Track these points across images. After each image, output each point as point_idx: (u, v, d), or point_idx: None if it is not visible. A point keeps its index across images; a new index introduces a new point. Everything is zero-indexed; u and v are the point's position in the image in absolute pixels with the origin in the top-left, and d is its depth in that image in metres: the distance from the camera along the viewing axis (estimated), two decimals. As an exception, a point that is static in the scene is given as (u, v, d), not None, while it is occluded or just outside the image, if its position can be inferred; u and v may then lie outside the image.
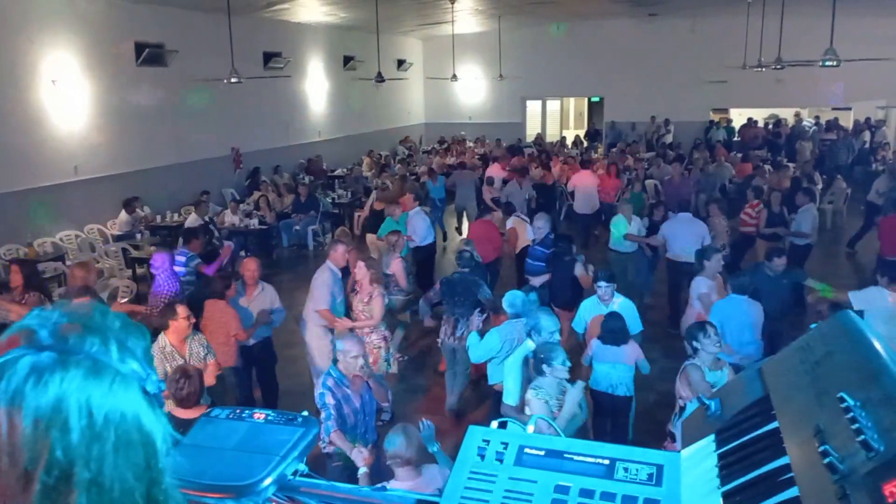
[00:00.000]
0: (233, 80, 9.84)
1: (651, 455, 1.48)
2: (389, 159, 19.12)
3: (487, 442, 1.53)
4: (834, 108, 22.04)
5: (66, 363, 0.74)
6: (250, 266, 6.72)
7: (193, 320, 5.43)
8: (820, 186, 14.71)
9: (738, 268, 8.73)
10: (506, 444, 1.52)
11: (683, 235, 8.54)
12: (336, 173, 17.79)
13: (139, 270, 10.60)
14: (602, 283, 6.18)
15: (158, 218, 12.46)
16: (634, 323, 6.12)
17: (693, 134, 21.18)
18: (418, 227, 9.80)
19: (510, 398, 4.81)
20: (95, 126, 11.83)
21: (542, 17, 19.75)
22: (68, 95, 11.19)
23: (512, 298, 5.86)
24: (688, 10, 19.15)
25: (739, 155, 17.65)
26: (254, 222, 12.57)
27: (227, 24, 10.97)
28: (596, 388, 5.62)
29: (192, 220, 11.55)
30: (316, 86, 18.55)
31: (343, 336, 4.95)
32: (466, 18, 18.44)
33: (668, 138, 21.23)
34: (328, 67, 18.95)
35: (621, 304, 6.19)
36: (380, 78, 14.20)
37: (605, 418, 5.67)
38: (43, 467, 0.71)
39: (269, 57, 16.03)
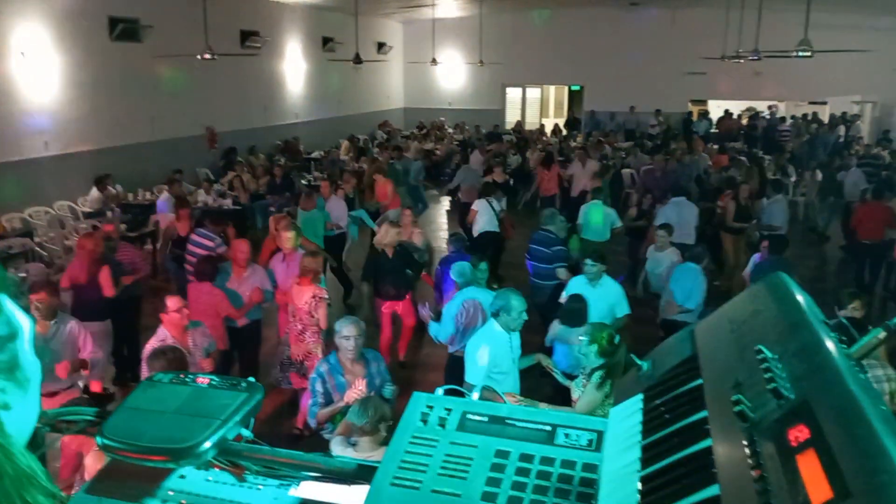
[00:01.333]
0: (206, 56, 9.67)
1: (592, 422, 1.49)
2: (368, 143, 19.01)
3: (431, 408, 1.53)
4: (811, 103, 22.25)
5: None
6: (242, 247, 6.64)
7: (186, 311, 5.23)
8: (793, 179, 14.88)
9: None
10: (449, 410, 1.52)
11: (684, 218, 8.90)
12: (313, 156, 17.66)
13: (109, 248, 10.45)
14: (588, 262, 6.19)
15: (130, 196, 12.29)
16: (621, 306, 6.19)
17: (672, 124, 21.28)
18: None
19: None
20: (66, 101, 11.62)
21: (523, 3, 19.71)
22: (38, 68, 10.97)
23: (460, 268, 5.99)
24: (668, 0, 19.19)
25: (716, 147, 17.77)
26: (227, 202, 12.44)
27: (202, 0, 10.81)
28: (559, 368, 5.66)
29: (165, 198, 11.42)
30: (294, 67, 18.37)
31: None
32: (448, 2, 18.34)
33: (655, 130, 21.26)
34: (306, 48, 18.77)
35: (608, 285, 6.23)
36: (358, 60, 14.09)
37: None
38: None
39: (246, 35, 15.83)
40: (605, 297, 6.22)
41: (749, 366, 0.82)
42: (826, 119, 21.16)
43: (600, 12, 20.88)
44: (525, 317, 4.75)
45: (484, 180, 11.62)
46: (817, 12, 9.65)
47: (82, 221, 11.17)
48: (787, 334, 0.83)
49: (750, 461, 0.68)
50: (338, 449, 3.77)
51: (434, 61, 18.12)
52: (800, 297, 0.92)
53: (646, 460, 0.86)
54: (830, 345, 0.77)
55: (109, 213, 11.22)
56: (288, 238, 6.90)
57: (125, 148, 12.72)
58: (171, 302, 5.16)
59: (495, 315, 4.72)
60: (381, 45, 21.95)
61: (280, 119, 17.91)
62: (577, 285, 6.36)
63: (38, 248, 10.09)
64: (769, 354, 0.79)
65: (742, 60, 15.37)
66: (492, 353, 4.59)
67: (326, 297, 6.24)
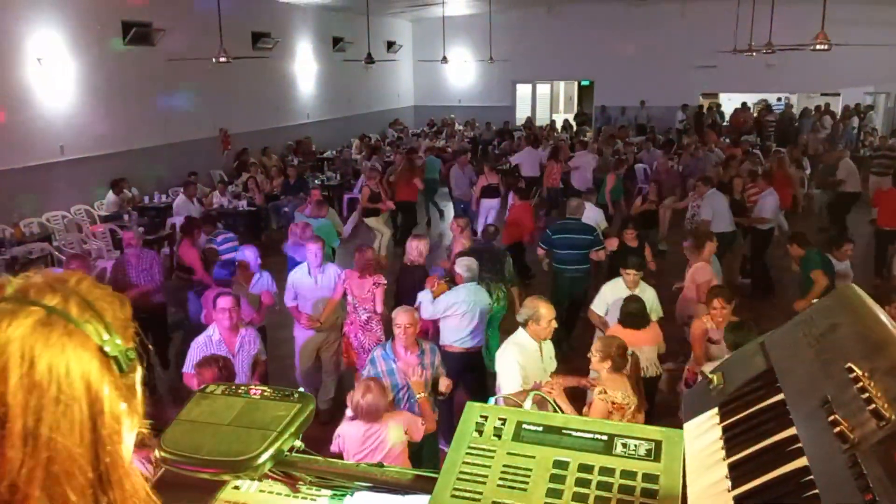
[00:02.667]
0: (222, 59, 9.71)
1: (649, 431, 1.49)
2: (379, 142, 19.03)
3: (486, 417, 1.54)
4: (823, 94, 22.10)
5: (17, 312, 0.73)
6: (249, 254, 6.70)
7: (234, 314, 5.06)
8: (808, 171, 14.79)
9: None
10: (504, 420, 1.53)
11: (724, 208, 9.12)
12: (325, 155, 17.70)
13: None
14: (631, 270, 6.19)
15: (146, 199, 12.36)
16: (656, 308, 6.22)
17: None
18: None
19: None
20: (82, 105, 11.69)
21: (532, 0, 19.66)
22: (54, 74, 11.04)
23: (469, 262, 5.98)
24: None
25: (728, 140, 17.70)
26: (242, 204, 12.48)
27: (214, 3, 10.83)
28: None
29: (181, 201, 11.48)
30: (305, 67, 18.41)
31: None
32: (457, 0, 18.31)
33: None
34: (317, 49, 18.80)
35: (645, 292, 6.23)
36: (370, 59, 14.11)
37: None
38: None
39: (257, 37, 15.87)
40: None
41: (838, 383, 0.82)
42: (839, 110, 21.02)
43: (609, 7, 20.80)
44: (555, 325, 4.72)
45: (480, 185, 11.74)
46: (830, 5, 9.58)
47: (99, 225, 11.23)
48: (876, 351, 0.83)
49: (857, 484, 0.69)
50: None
51: (444, 59, 18.10)
52: (879, 311, 0.93)
53: (735, 479, 0.86)
54: (923, 363, 0.78)
55: (126, 217, 11.30)
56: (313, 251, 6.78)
57: (140, 151, 12.78)
58: (223, 301, 5.06)
59: (524, 325, 4.70)
60: (390, 44, 21.96)
61: (292, 119, 17.95)
62: (612, 289, 6.35)
63: (56, 252, 10.15)
64: (860, 372, 0.79)
65: (754, 54, 15.29)
66: (522, 363, 4.57)
67: (384, 282, 6.34)
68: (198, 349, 4.96)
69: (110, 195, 11.68)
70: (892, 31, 17.27)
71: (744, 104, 22.36)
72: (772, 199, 9.74)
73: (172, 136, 13.56)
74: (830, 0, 9.47)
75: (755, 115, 21.97)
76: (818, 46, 8.57)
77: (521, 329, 4.74)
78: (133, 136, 12.63)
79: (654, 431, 1.45)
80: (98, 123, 11.96)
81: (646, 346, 5.56)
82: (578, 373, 5.23)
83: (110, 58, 12.06)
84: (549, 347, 4.89)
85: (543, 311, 4.63)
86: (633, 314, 5.60)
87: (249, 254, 6.84)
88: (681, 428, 1.16)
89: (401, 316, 4.77)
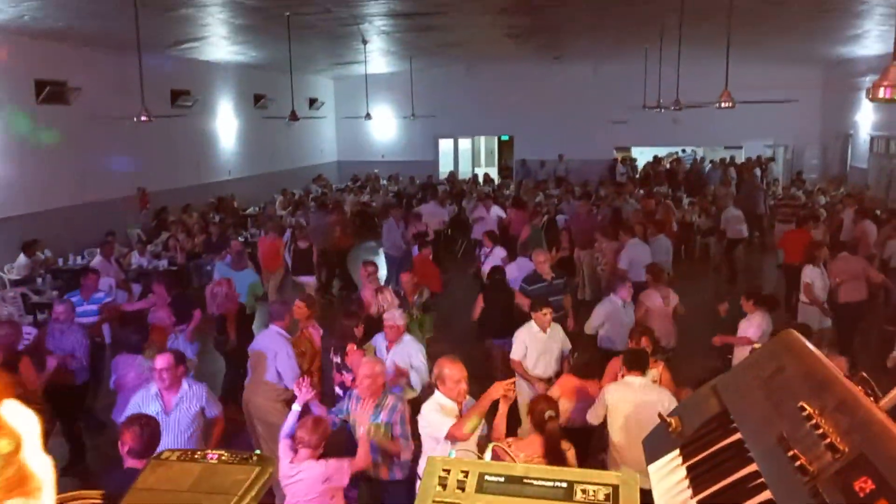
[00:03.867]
0: (143, 118, 9.57)
1: (606, 476, 1.55)
2: (304, 198, 18.96)
3: (448, 471, 1.56)
4: (726, 147, 23.40)
5: None
6: (163, 316, 6.55)
7: (167, 375, 4.82)
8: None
9: None
10: (466, 473, 1.55)
11: (643, 258, 9.26)
12: (248, 212, 17.50)
13: (41, 316, 10.06)
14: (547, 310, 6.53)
15: (60, 261, 11.89)
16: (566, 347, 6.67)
17: (599, 171, 22.04)
18: None
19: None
20: (-9, 165, 11.26)
21: (452, 58, 20.21)
22: (-39, 133, 10.63)
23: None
24: (589, 54, 20.04)
25: (642, 191, 18.44)
26: (163, 263, 12.17)
27: (132, 62, 10.62)
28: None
29: (98, 261, 11.09)
30: (226, 124, 18.29)
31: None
32: (378, 59, 18.66)
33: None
34: (238, 105, 18.73)
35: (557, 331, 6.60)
36: (294, 117, 14.17)
37: None
38: None
39: (176, 95, 15.71)
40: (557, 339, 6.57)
41: (792, 421, 0.90)
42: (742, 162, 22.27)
43: (526, 66, 21.62)
44: (464, 386, 4.50)
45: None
46: (732, 65, 10.28)
47: (9, 290, 10.72)
48: (823, 390, 0.92)
49: (821, 512, 0.76)
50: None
51: (368, 116, 18.34)
52: (818, 353, 1.02)
53: (705, 515, 0.93)
54: (864, 400, 0.87)
55: (39, 280, 10.84)
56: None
57: (54, 212, 12.35)
58: (158, 361, 4.85)
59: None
60: (313, 101, 22.09)
61: (213, 176, 17.72)
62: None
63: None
64: (812, 410, 0.88)
65: (662, 110, 16.15)
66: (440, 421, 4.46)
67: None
68: (133, 405, 4.81)
69: (21, 258, 11.19)
70: (788, 89, 18.64)
71: (655, 157, 23.44)
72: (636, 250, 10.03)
73: (88, 195, 13.17)
74: (732, 61, 10.15)
75: (666, 167, 23.02)
76: (723, 104, 9.13)
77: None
78: (46, 196, 12.20)
79: (611, 476, 1.51)
80: (9, 184, 11.52)
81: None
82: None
83: (22, 116, 11.70)
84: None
85: (447, 372, 4.48)
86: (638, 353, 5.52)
87: (163, 315, 6.62)
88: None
89: (362, 367, 4.88)
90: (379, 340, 6.25)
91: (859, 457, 0.79)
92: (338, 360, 6.13)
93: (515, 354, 6.53)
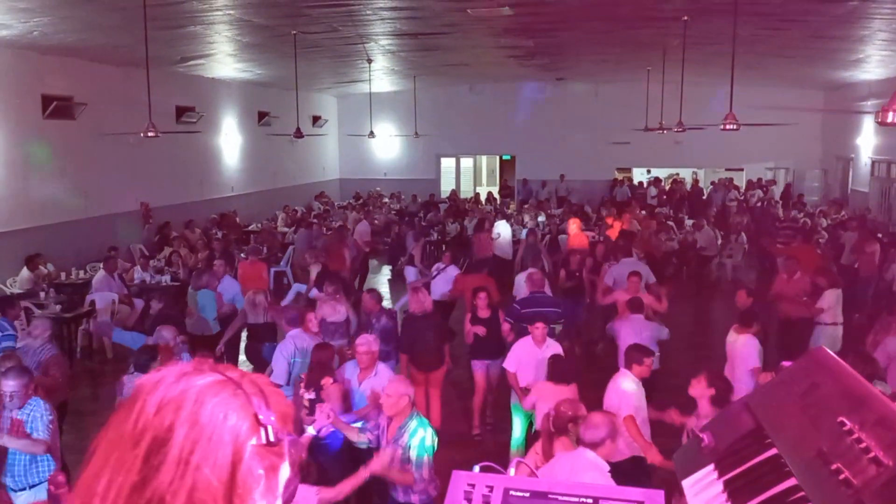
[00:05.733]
0: (150, 134, 9.62)
1: (631, 493, 1.56)
2: (305, 214, 19.02)
3: (473, 486, 1.57)
4: (727, 169, 23.51)
5: (203, 374, 0.91)
6: (168, 335, 6.47)
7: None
8: (720, 242, 15.61)
9: None
10: (491, 488, 1.56)
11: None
12: (250, 228, 17.54)
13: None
14: (539, 325, 6.46)
15: (63, 275, 11.89)
16: None
17: (600, 192, 22.13)
18: None
19: None
20: (-3, 179, 11.30)
21: (455, 77, 20.37)
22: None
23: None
24: (592, 75, 20.20)
25: (643, 212, 18.50)
26: (166, 279, 12.16)
27: (139, 78, 10.64)
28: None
29: (100, 276, 11.11)
30: (229, 140, 18.38)
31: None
32: (382, 77, 18.80)
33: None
34: (242, 122, 18.83)
35: (552, 347, 6.46)
36: (299, 134, 14.26)
37: None
38: (152, 431, 0.86)
39: (181, 111, 15.81)
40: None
41: (832, 436, 0.91)
42: (743, 184, 22.39)
43: (528, 87, 21.80)
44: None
45: None
46: (734, 87, 10.36)
47: (12, 303, 10.70)
48: (861, 405, 0.93)
49: (868, 524, 0.77)
50: None
51: (372, 134, 18.44)
52: (852, 370, 1.03)
53: (746, 528, 0.94)
54: (904, 414, 0.88)
55: (42, 294, 10.83)
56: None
57: (57, 226, 12.37)
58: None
59: None
60: (316, 119, 22.22)
61: (216, 192, 17.78)
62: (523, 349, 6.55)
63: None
64: (852, 425, 0.89)
65: (664, 132, 16.24)
66: None
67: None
68: None
69: (24, 272, 11.20)
70: (790, 112, 18.76)
71: (656, 178, 23.54)
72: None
73: (91, 210, 13.21)
74: (736, 84, 10.22)
75: (667, 188, 23.13)
76: (728, 126, 9.19)
77: None
78: (50, 211, 12.23)
79: (636, 493, 1.52)
80: (13, 197, 11.57)
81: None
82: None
83: (29, 131, 11.76)
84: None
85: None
86: (560, 369, 5.82)
87: (167, 334, 6.54)
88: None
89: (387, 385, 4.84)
90: (350, 368, 5.93)
91: (904, 470, 0.80)
92: (311, 395, 5.52)
93: (509, 365, 6.61)
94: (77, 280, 11.79)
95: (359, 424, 4.96)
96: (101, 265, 11.53)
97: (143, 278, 12.02)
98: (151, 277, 12.08)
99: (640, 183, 24.03)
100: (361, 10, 10.48)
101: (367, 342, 5.80)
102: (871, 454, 0.83)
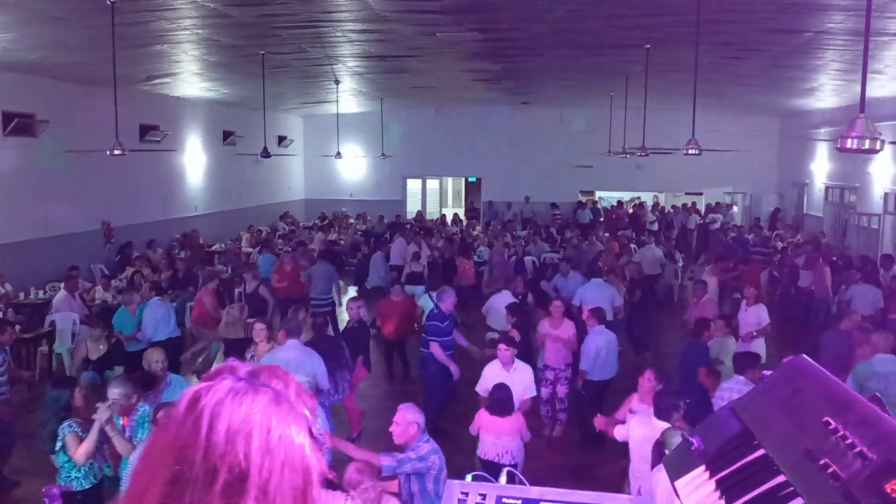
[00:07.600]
0: (116, 152, 9.52)
1: (620, 500, 1.62)
2: (270, 235, 18.90)
3: (466, 494, 1.61)
4: (687, 193, 24.03)
5: (255, 390, 0.92)
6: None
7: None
8: (681, 264, 15.92)
9: None
10: (484, 496, 1.61)
11: (597, 298, 9.29)
12: (214, 248, 17.37)
13: None
14: (502, 347, 6.43)
15: (22, 295, 11.63)
16: (530, 388, 6.46)
17: (563, 214, 22.44)
18: None
19: None
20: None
21: (422, 100, 20.55)
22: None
23: None
24: (557, 100, 20.57)
25: (607, 234, 18.79)
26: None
27: (102, 96, 10.61)
28: (483, 458, 5.76)
29: (61, 296, 10.89)
30: (194, 160, 18.23)
31: None
32: (350, 99, 18.88)
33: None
34: (207, 141, 18.71)
35: (519, 371, 6.45)
36: (266, 154, 14.22)
37: None
38: (227, 466, 0.86)
39: (145, 130, 15.65)
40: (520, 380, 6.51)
41: (818, 435, 0.98)
42: (703, 207, 22.90)
43: (494, 109, 22.09)
44: None
45: None
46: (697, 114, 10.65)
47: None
48: (845, 407, 1.01)
49: (856, 513, 0.84)
50: None
51: (339, 154, 18.47)
52: (832, 376, 1.11)
53: (741, 523, 1.00)
54: (884, 414, 0.96)
55: (0, 314, 10.57)
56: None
57: (16, 244, 12.13)
58: None
59: None
60: (282, 139, 22.17)
61: (180, 212, 17.59)
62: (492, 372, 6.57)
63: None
64: (837, 425, 0.96)
65: (627, 156, 16.57)
66: None
67: None
68: None
69: (-19, 291, 10.94)
70: (747, 138, 19.35)
71: (619, 201, 23.95)
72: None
73: (52, 229, 12.97)
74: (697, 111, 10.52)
75: (629, 211, 23.51)
76: (690, 151, 9.45)
77: None
78: (9, 229, 11.99)
79: (625, 500, 1.58)
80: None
81: (506, 435, 5.78)
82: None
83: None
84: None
85: None
86: (499, 401, 5.78)
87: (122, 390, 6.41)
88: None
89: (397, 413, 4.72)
90: None
91: (887, 463, 0.87)
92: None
93: (479, 387, 6.63)
94: (36, 300, 11.54)
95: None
96: (62, 285, 11.31)
97: (104, 298, 11.82)
98: (113, 297, 11.87)
99: (643, 203, 24.08)
100: (330, 31, 10.55)
101: None
102: (857, 449, 0.91)
